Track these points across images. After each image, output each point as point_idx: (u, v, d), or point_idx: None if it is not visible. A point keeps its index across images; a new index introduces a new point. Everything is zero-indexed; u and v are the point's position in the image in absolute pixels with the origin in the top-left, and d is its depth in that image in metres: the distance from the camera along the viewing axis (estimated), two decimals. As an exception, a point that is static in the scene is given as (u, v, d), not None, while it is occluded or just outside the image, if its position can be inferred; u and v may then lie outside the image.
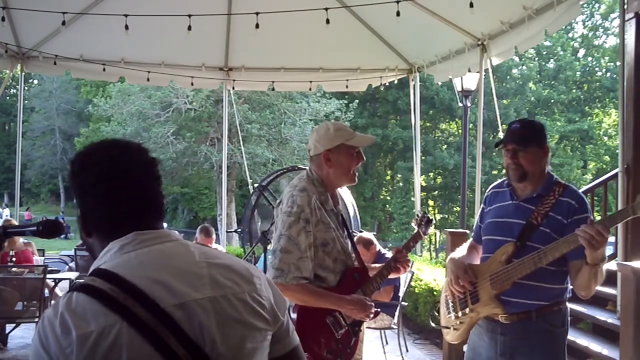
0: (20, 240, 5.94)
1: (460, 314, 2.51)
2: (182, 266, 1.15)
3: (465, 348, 2.64)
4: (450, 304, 2.59)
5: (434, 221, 2.91)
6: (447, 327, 2.61)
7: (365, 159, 2.55)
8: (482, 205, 2.65)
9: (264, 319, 1.19)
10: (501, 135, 2.53)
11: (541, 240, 2.25)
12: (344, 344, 2.41)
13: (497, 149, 2.48)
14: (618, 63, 6.48)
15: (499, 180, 2.62)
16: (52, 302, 6.14)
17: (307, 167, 2.53)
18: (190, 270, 1.14)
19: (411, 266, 2.76)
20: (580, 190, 2.44)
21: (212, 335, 1.10)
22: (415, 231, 2.89)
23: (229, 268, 1.19)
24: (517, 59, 26.84)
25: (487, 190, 2.65)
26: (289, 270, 2.25)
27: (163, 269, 1.12)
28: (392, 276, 2.73)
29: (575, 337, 4.63)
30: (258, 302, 1.19)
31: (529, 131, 2.40)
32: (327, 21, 5.01)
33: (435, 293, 6.06)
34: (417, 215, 2.93)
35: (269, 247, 4.83)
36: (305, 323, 2.33)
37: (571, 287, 2.38)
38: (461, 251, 2.68)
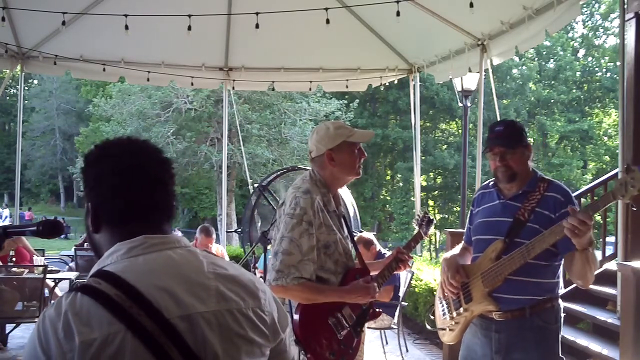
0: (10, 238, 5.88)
1: (455, 314, 2.52)
2: (190, 276, 1.13)
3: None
4: (445, 305, 2.61)
5: (434, 221, 2.93)
6: (443, 329, 2.62)
7: (366, 155, 2.56)
8: (470, 208, 2.68)
9: (265, 335, 1.19)
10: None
11: (529, 236, 2.28)
12: (346, 345, 2.41)
13: (486, 154, 2.49)
14: (618, 63, 6.47)
15: (485, 182, 2.65)
16: (52, 302, 6.14)
17: (310, 168, 2.53)
18: (197, 281, 1.13)
19: (411, 265, 2.77)
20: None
21: (214, 349, 1.09)
22: (416, 231, 2.89)
23: (235, 281, 1.19)
24: (517, 59, 26.87)
25: (475, 193, 2.69)
26: (289, 272, 2.25)
27: (171, 277, 1.11)
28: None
29: (575, 337, 4.63)
30: (260, 317, 1.19)
31: (513, 132, 2.43)
32: (327, 21, 5.01)
33: (435, 293, 6.05)
34: (418, 215, 2.93)
35: (269, 247, 4.83)
36: (308, 324, 2.33)
37: (565, 285, 2.40)
38: (454, 252, 2.70)
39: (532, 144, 2.61)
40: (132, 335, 1.01)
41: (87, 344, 0.99)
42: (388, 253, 5.25)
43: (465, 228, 2.72)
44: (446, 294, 2.57)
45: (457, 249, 2.71)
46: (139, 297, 1.05)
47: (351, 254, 2.50)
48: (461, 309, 2.48)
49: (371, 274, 2.58)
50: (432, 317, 2.75)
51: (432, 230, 2.92)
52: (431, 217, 2.91)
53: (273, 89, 8.10)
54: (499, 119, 6.08)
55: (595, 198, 6.04)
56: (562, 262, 2.37)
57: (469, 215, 2.68)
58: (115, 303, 1.03)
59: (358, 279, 2.47)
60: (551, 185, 2.38)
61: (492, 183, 2.55)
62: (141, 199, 1.18)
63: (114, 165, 1.17)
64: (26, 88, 37.86)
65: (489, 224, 2.45)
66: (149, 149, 1.23)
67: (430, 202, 29.10)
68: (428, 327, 2.84)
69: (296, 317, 2.32)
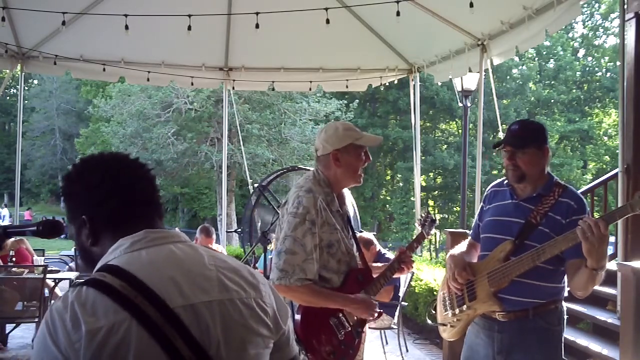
0: (11, 238, 5.87)
1: (457, 311, 2.51)
2: (191, 268, 1.16)
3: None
4: (447, 302, 2.59)
5: (437, 221, 2.93)
6: (444, 325, 2.62)
7: (371, 159, 2.55)
8: (481, 204, 2.66)
9: (267, 326, 1.20)
10: (501, 135, 2.54)
11: (539, 240, 2.26)
12: (347, 345, 2.41)
13: (496, 149, 2.49)
14: (618, 63, 6.48)
15: (499, 180, 2.62)
16: (52, 302, 6.14)
17: (313, 167, 2.53)
18: (199, 272, 1.16)
19: (413, 266, 2.76)
20: (580, 191, 2.45)
21: (217, 338, 1.11)
22: (419, 232, 2.89)
23: (236, 273, 1.21)
24: (517, 59, 26.84)
25: (487, 189, 2.66)
26: (293, 271, 2.25)
27: (173, 269, 1.14)
28: (394, 275, 2.74)
29: (575, 337, 4.63)
30: (262, 308, 1.20)
31: (527, 132, 2.40)
32: (327, 21, 5.01)
33: (435, 293, 6.05)
34: (421, 215, 2.93)
35: (269, 247, 4.83)
36: (309, 324, 2.33)
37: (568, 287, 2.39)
38: (460, 248, 2.68)
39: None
40: (137, 323, 1.03)
41: (93, 333, 1.01)
42: (388, 253, 5.26)
43: (474, 224, 2.70)
44: (450, 291, 2.56)
45: (463, 246, 2.69)
46: (143, 287, 1.07)
47: (354, 254, 2.49)
48: (464, 307, 2.47)
49: (373, 274, 2.58)
50: (433, 312, 2.75)
51: (433, 230, 2.91)
52: (434, 218, 2.91)
53: (273, 89, 8.10)
54: (499, 119, 6.09)
55: (595, 198, 6.04)
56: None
57: (479, 211, 2.66)
58: (120, 293, 1.05)
59: (360, 279, 2.47)
60: (566, 191, 2.36)
61: (506, 182, 2.53)
62: (134, 196, 1.22)
63: (101, 175, 1.21)
64: (26, 88, 37.84)
65: (500, 223, 2.43)
66: (125, 156, 1.28)
67: (430, 202, 29.07)
68: (429, 321, 2.84)
69: (297, 317, 2.32)
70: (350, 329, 2.42)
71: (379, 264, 2.86)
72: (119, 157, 1.26)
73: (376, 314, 2.45)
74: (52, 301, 6.06)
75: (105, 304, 1.04)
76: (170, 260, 1.15)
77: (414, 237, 2.92)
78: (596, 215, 6.04)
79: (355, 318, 2.45)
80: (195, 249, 1.21)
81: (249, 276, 1.23)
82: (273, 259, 2.34)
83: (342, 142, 2.41)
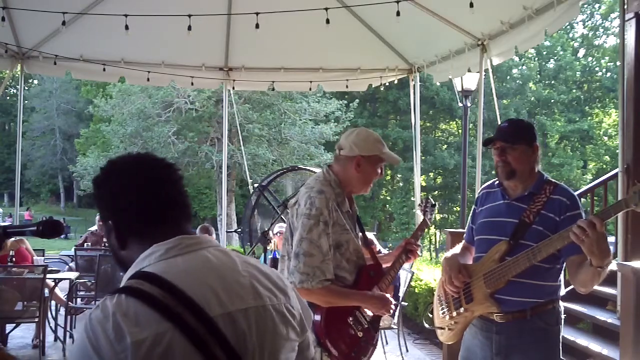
0: (11, 238, 5.86)
1: (454, 313, 2.51)
2: (226, 275, 1.16)
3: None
4: (444, 304, 2.59)
5: (437, 205, 2.96)
6: (442, 328, 2.61)
7: (384, 174, 2.61)
8: (473, 207, 2.66)
9: (295, 330, 1.22)
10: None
11: (534, 238, 2.26)
12: (367, 342, 2.47)
13: (486, 148, 2.50)
14: (618, 63, 6.48)
15: (490, 181, 2.63)
16: (52, 302, 6.15)
17: (323, 168, 2.56)
18: (234, 279, 1.16)
19: (421, 254, 2.79)
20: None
21: (253, 345, 1.12)
22: (421, 219, 2.93)
23: (267, 278, 1.22)
24: (517, 59, 26.85)
25: (479, 192, 2.66)
26: (314, 274, 2.28)
27: (209, 276, 1.14)
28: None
29: (575, 337, 4.63)
30: (291, 313, 1.22)
31: (517, 129, 2.42)
32: (327, 21, 5.01)
33: (435, 293, 6.05)
34: (421, 202, 2.95)
35: (269, 247, 4.84)
36: (332, 325, 2.39)
37: (565, 286, 2.39)
38: (455, 251, 2.69)
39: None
40: (180, 333, 1.03)
41: (139, 344, 1.01)
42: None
43: (467, 227, 2.70)
44: (447, 293, 2.56)
45: (457, 248, 2.69)
46: (182, 296, 1.07)
47: (362, 254, 2.53)
48: (461, 309, 2.47)
49: (383, 266, 2.63)
50: (430, 316, 2.75)
51: (433, 228, 2.92)
52: (433, 202, 2.94)
53: (273, 89, 8.11)
54: (499, 119, 6.08)
55: (595, 198, 6.03)
56: (564, 265, 2.34)
57: (471, 213, 2.66)
58: (160, 303, 1.05)
59: (372, 275, 2.52)
60: (557, 188, 2.36)
61: (497, 182, 2.53)
62: (157, 200, 1.21)
63: (130, 174, 1.21)
64: (26, 88, 37.81)
65: (493, 224, 2.43)
66: (154, 157, 1.27)
67: (430, 202, 29.05)
68: (426, 325, 2.84)
69: (317, 317, 2.35)
70: (367, 325, 2.48)
71: (388, 253, 2.91)
72: (140, 161, 1.25)
73: (392, 310, 2.52)
74: (52, 301, 6.08)
75: (147, 313, 1.04)
76: (206, 267, 1.15)
77: (418, 225, 2.93)
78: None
79: (371, 314, 2.50)
80: (227, 254, 1.21)
81: (278, 280, 1.24)
82: (291, 261, 2.34)
83: (370, 151, 2.45)
